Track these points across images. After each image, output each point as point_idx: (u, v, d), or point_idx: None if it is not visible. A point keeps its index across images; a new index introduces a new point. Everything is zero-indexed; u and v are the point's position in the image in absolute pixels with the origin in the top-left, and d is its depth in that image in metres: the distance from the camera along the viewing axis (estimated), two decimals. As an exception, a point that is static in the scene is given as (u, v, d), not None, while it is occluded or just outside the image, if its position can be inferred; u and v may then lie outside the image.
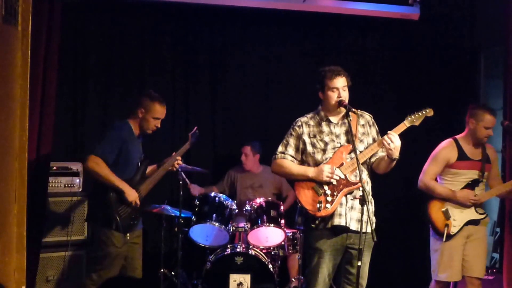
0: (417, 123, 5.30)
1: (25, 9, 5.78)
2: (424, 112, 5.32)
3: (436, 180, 6.26)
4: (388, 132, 5.15)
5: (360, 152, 5.18)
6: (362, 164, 5.16)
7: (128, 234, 5.83)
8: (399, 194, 7.98)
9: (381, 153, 5.30)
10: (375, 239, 4.83)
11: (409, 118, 5.28)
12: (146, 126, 5.92)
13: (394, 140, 5.08)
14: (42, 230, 6.30)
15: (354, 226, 5.18)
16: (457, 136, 6.27)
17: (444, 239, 6.04)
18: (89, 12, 7.53)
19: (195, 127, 6.46)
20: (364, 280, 5.23)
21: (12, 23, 5.72)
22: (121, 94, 7.61)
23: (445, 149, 6.20)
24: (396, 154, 5.15)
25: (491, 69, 8.42)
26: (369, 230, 4.93)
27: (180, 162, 6.24)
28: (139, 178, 5.95)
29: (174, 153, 6.26)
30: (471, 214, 6.10)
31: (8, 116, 5.71)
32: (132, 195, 5.75)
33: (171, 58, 7.98)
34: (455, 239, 6.08)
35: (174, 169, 6.26)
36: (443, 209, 6.09)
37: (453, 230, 6.05)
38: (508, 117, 6.72)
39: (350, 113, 5.13)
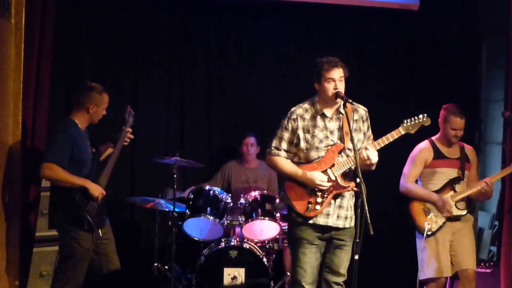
0: (412, 132, 5.28)
1: (19, 2, 5.80)
2: (420, 120, 5.28)
3: (416, 182, 6.37)
4: (367, 146, 5.13)
5: (348, 156, 5.17)
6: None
7: (100, 231, 5.74)
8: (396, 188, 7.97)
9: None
10: (372, 232, 4.78)
11: (405, 125, 5.25)
12: (97, 117, 5.81)
13: (371, 156, 5.06)
14: (35, 225, 6.27)
15: (341, 224, 5.21)
16: (433, 137, 6.36)
17: (425, 235, 6.09)
18: (83, 4, 7.51)
19: (128, 106, 6.20)
20: (345, 270, 5.24)
21: (5, 16, 5.73)
22: (115, 87, 7.55)
23: (422, 150, 6.32)
24: (372, 167, 5.20)
25: (493, 59, 8.35)
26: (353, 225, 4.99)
27: (130, 135, 6.07)
28: (96, 171, 5.85)
29: (124, 127, 6.03)
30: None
31: (2, 109, 5.71)
32: (96, 189, 5.65)
33: (166, 52, 7.92)
34: (438, 234, 6.15)
35: (128, 140, 6.08)
36: (424, 208, 6.19)
37: (435, 226, 6.13)
38: (509, 108, 6.69)
39: (346, 104, 5.09)
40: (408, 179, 6.29)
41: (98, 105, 5.75)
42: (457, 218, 6.18)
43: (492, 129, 8.33)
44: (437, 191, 6.21)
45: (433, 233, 6.13)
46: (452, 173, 6.24)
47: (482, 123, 8.37)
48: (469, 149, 6.42)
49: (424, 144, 6.34)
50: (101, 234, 5.73)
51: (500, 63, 7.77)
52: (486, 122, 8.43)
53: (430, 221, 6.10)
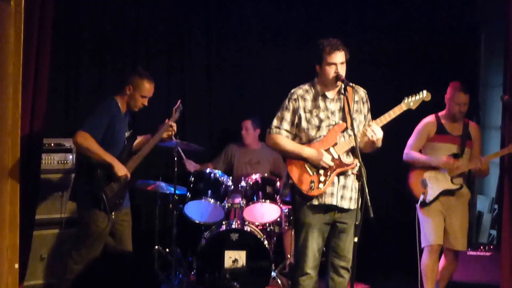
0: (413, 107, 5.33)
1: (18, -15, 5.75)
2: (421, 96, 5.34)
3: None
4: (370, 123, 5.15)
5: (350, 136, 5.15)
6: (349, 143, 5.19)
7: (113, 213, 5.73)
8: (395, 171, 7.95)
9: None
10: (372, 215, 4.77)
11: (406, 101, 5.29)
12: (134, 103, 5.80)
13: (376, 132, 5.09)
14: (35, 208, 6.24)
15: (346, 205, 5.19)
16: (439, 113, 6.56)
17: (419, 205, 6.35)
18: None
19: (179, 100, 6.27)
20: (350, 254, 5.20)
21: (5, -1, 5.69)
22: (115, 69, 7.53)
23: (427, 124, 6.55)
24: (378, 144, 5.22)
25: (491, 44, 8.36)
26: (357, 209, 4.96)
27: (174, 128, 6.08)
28: (126, 155, 5.85)
29: (167, 119, 6.07)
30: (446, 184, 6.34)
31: (1, 92, 5.69)
32: (121, 169, 5.64)
33: (166, 36, 7.89)
34: (433, 205, 6.35)
35: (170, 133, 6.08)
36: (421, 179, 6.36)
37: (429, 198, 6.34)
38: (508, 92, 6.67)
39: (347, 87, 5.08)
40: (411, 149, 6.51)
41: (135, 89, 5.75)
42: (451, 193, 6.34)
43: (491, 113, 8.34)
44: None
45: (429, 204, 6.32)
46: (452, 149, 6.41)
47: (481, 108, 8.37)
48: (473, 126, 6.60)
49: (430, 118, 6.55)
50: (113, 217, 5.72)
51: (499, 48, 7.73)
52: (485, 106, 8.45)
53: (426, 192, 6.30)
